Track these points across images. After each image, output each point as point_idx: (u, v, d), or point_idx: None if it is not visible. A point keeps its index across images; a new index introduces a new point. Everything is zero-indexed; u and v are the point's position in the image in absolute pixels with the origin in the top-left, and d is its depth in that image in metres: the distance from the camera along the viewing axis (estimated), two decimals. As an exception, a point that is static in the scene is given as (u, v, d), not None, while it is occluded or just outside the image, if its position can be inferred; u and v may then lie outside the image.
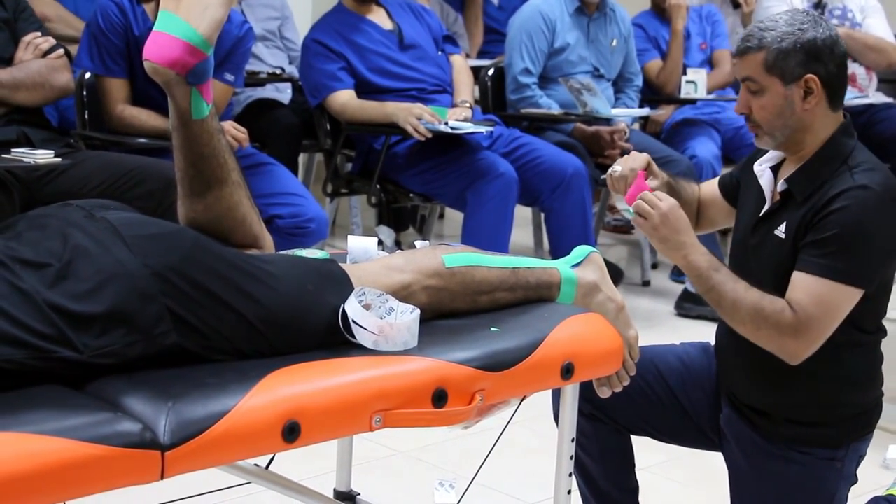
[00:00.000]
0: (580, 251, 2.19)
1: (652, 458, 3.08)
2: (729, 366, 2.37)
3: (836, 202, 2.18)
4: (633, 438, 2.49)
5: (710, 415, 2.40)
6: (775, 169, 2.34)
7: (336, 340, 1.81)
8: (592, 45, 5.00)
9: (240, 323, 1.73)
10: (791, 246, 2.22)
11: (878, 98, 5.40)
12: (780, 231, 2.26)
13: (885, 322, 2.33)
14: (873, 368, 2.32)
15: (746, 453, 2.33)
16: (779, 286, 2.22)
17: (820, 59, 2.23)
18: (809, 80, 2.23)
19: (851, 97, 5.25)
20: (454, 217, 5.79)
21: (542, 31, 4.92)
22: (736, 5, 6.05)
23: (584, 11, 5.01)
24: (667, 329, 4.49)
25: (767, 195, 2.32)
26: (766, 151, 2.37)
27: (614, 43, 5.05)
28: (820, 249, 2.18)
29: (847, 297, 2.18)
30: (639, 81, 5.28)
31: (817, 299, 2.17)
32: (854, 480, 2.33)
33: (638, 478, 2.52)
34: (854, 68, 5.45)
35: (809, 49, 2.22)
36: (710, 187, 2.56)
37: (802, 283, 2.18)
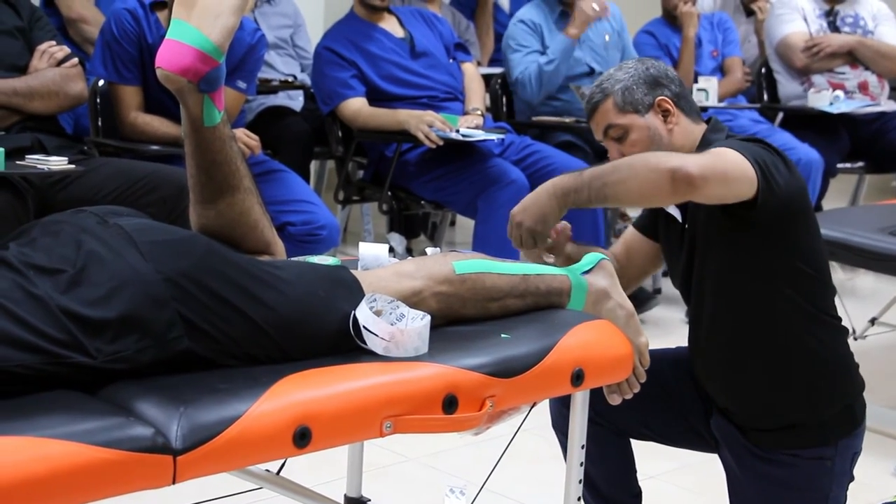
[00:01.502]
0: (590, 258, 2.20)
1: (661, 465, 3.08)
2: (703, 376, 2.38)
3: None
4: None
5: (706, 418, 2.41)
6: None
7: (347, 346, 1.82)
8: (585, 45, 4.99)
9: (251, 328, 1.74)
10: (703, 226, 2.25)
11: (889, 106, 5.38)
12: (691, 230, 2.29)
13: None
14: (843, 358, 2.32)
15: (736, 456, 2.34)
16: (723, 271, 2.25)
17: (660, 84, 2.36)
18: (661, 101, 2.35)
19: (863, 104, 5.24)
20: (465, 224, 5.80)
21: (529, 33, 4.93)
22: (749, 13, 6.05)
23: (569, 14, 5.01)
24: (677, 337, 4.47)
25: (676, 214, 2.35)
26: None
27: (607, 38, 5.05)
28: None
29: (738, 163, 2.13)
30: None
31: (713, 150, 2.16)
32: (850, 478, 2.33)
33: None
34: (866, 76, 5.45)
35: (647, 78, 2.36)
36: (628, 237, 2.53)
37: None
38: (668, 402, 2.42)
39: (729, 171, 2.13)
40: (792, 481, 2.28)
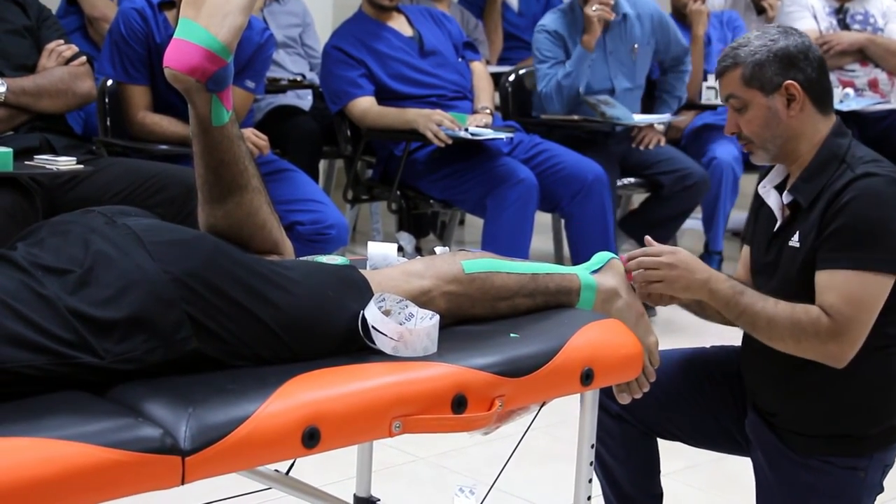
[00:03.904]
0: (600, 257, 2.19)
1: (672, 464, 3.07)
2: (753, 374, 2.36)
3: (844, 195, 2.17)
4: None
5: (738, 419, 2.39)
6: (781, 188, 2.33)
7: (355, 346, 1.81)
8: (612, 58, 4.93)
9: (260, 328, 1.73)
10: (807, 252, 2.21)
11: (899, 103, 5.37)
12: (794, 241, 2.24)
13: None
14: (892, 375, 2.30)
15: (769, 459, 2.32)
16: (802, 297, 2.19)
17: (796, 65, 2.26)
18: (789, 86, 2.25)
19: (873, 102, 5.22)
20: (474, 223, 5.79)
21: (552, 42, 4.89)
22: (760, 11, 6.03)
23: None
24: (687, 336, 4.47)
25: (777, 213, 2.31)
26: (768, 174, 2.36)
27: (636, 48, 5.00)
28: (839, 242, 2.15)
29: (879, 287, 2.15)
30: (687, 66, 5.23)
31: (849, 297, 2.13)
32: (879, 490, 2.32)
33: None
34: (876, 73, 5.43)
35: (783, 57, 2.26)
36: (745, 257, 2.46)
37: (830, 283, 2.15)
38: (700, 400, 2.41)
39: (873, 315, 2.14)
40: (823, 488, 2.26)
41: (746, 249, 2.46)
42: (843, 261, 2.15)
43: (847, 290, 2.14)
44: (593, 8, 4.76)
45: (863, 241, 2.15)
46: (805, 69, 2.26)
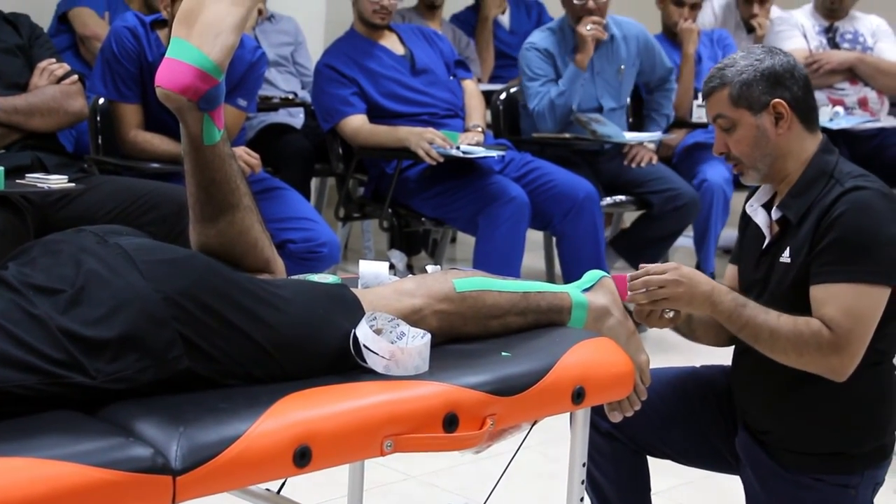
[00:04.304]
0: (591, 275, 2.19)
1: (662, 482, 3.07)
2: (744, 393, 2.36)
3: (835, 209, 2.19)
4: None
5: (728, 437, 2.39)
6: (768, 206, 2.35)
7: (347, 365, 1.82)
8: (599, 78, 4.94)
9: (251, 347, 1.74)
10: (799, 267, 2.22)
11: (889, 122, 5.38)
12: (785, 257, 2.25)
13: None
14: (889, 393, 2.31)
15: (760, 477, 2.32)
16: (793, 312, 2.20)
17: (782, 84, 2.28)
18: (777, 105, 2.27)
19: (863, 121, 5.24)
20: (466, 241, 5.80)
21: (543, 60, 4.90)
22: (750, 29, 6.06)
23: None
24: (678, 355, 4.47)
25: (765, 230, 2.32)
26: (755, 193, 2.38)
27: (622, 69, 5.02)
28: (832, 256, 2.17)
29: (875, 298, 2.16)
30: (672, 84, 5.24)
31: (846, 309, 2.14)
32: None
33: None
34: (866, 92, 5.45)
35: (769, 76, 2.28)
36: (730, 276, 2.47)
37: (826, 297, 2.16)
38: (690, 419, 2.41)
39: (871, 327, 2.15)
40: None
41: (732, 269, 2.47)
42: (838, 274, 2.16)
43: (844, 303, 2.15)
44: (587, 27, 4.78)
45: (855, 254, 2.16)
46: (791, 87, 2.28)
